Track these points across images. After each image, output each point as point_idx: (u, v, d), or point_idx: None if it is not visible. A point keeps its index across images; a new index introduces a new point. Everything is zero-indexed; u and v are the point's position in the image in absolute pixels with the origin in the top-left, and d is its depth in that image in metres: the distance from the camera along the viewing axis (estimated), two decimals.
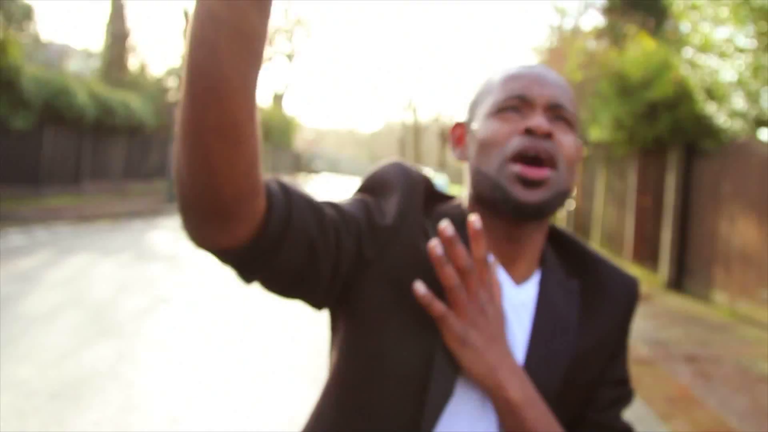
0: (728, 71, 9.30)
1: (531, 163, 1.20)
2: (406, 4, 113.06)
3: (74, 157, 22.64)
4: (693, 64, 10.42)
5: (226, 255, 1.09)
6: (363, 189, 1.29)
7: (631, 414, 5.72)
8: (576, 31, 23.36)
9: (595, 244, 17.99)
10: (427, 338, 1.20)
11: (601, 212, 17.74)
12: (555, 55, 23.64)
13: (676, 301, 11.72)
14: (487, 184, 1.23)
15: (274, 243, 1.08)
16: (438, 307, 1.17)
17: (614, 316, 1.34)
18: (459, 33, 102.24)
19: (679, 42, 12.55)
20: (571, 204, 19.94)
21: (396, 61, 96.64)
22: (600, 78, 14.51)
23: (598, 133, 14.90)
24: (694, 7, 9.39)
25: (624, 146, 14.49)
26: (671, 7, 10.77)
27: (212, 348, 7.25)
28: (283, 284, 1.15)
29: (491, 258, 1.25)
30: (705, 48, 9.59)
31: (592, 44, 19.34)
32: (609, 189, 17.26)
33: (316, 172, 70.76)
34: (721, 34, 9.10)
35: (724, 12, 8.58)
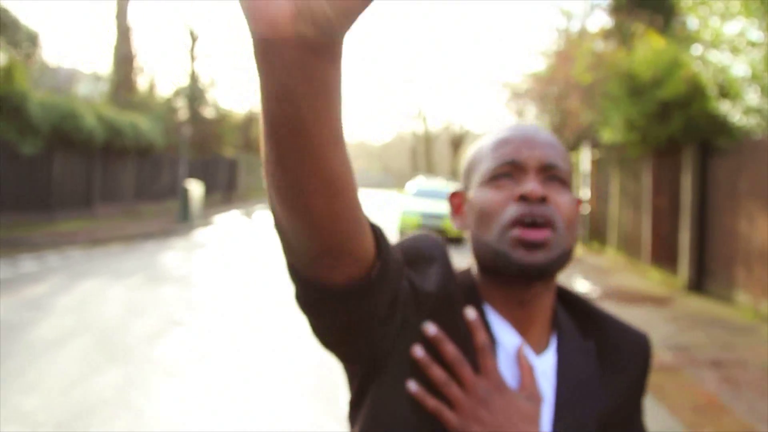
0: (741, 66, 9.10)
1: (529, 227, 1.20)
2: (411, 12, 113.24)
3: (85, 180, 22.61)
4: (704, 61, 10.22)
5: (332, 292, 1.05)
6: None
7: (656, 424, 5.53)
8: (583, 33, 23.17)
9: (612, 248, 17.78)
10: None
11: (616, 215, 17.51)
12: (562, 58, 23.47)
13: (698, 304, 11.49)
14: (489, 253, 1.23)
15: (382, 281, 1.07)
16: (430, 403, 1.17)
17: (630, 376, 1.35)
18: (465, 39, 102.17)
19: (688, 39, 12.36)
20: (586, 208, 19.74)
21: (405, 70, 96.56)
22: (609, 79, 14.31)
23: (610, 135, 14.70)
24: (703, 2, 9.21)
25: (637, 147, 14.29)
26: (679, 3, 10.59)
27: (224, 372, 7.09)
28: (354, 328, 1.11)
29: (518, 342, 1.25)
30: (716, 43, 9.40)
31: (599, 45, 19.16)
32: (624, 191, 17.03)
33: None
34: (732, 28, 8.90)
35: (735, 5, 8.39)
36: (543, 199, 1.20)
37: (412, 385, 1.17)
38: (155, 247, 17.25)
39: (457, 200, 1.36)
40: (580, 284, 13.04)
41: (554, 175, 1.25)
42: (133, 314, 9.49)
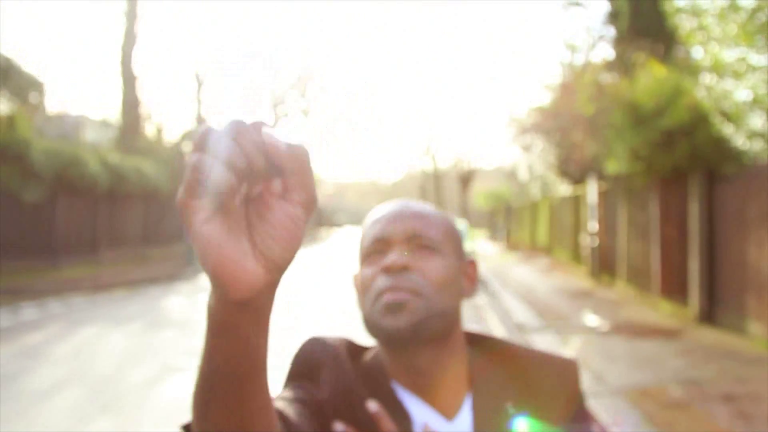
0: (743, 91, 8.92)
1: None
2: (419, 50, 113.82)
3: (90, 225, 22.53)
4: (706, 87, 10.05)
5: None
6: (293, 377, 1.31)
7: None
8: (587, 66, 23.09)
9: (621, 281, 17.51)
10: None
11: (625, 248, 17.26)
12: (567, 91, 23.38)
13: (709, 335, 11.20)
14: (367, 326, 1.29)
15: None
16: None
17: (558, 406, 1.35)
18: (473, 75, 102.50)
19: (690, 66, 12.20)
20: (594, 241, 19.49)
21: (413, 108, 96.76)
22: (612, 109, 14.15)
23: (615, 165, 14.49)
24: (701, 28, 9.06)
25: (643, 177, 14.08)
26: (679, 31, 10.46)
27: None
28: None
29: (426, 415, 1.27)
30: (716, 68, 9.23)
31: (603, 77, 19.04)
32: (631, 222, 16.79)
33: (338, 225, 70.91)
34: (732, 53, 8.74)
35: (733, 30, 8.24)
36: (404, 268, 1.26)
37: (339, 427, 1.20)
38: (159, 292, 17.08)
39: (356, 281, 1.40)
40: (590, 318, 12.78)
41: (421, 243, 1.30)
42: (129, 362, 9.29)
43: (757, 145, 9.15)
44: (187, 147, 33.50)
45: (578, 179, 23.14)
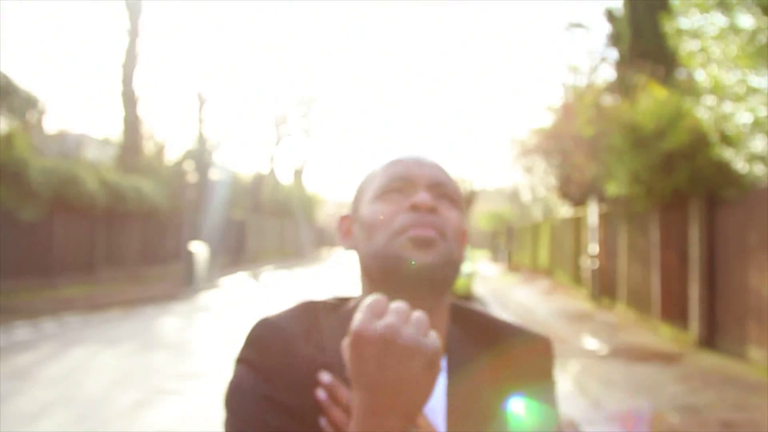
0: (743, 113, 8.82)
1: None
2: (420, 70, 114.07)
3: (87, 245, 22.41)
4: (707, 109, 9.95)
5: None
6: (244, 359, 1.27)
7: None
8: (589, 88, 23.04)
9: (621, 304, 17.34)
10: None
11: (625, 271, 17.10)
12: (568, 113, 23.31)
13: (709, 361, 11.04)
14: (379, 260, 1.23)
15: None
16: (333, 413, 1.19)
17: (529, 380, 1.33)
18: (475, 96, 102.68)
19: (690, 89, 12.11)
20: (595, 263, 19.35)
21: (415, 128, 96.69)
22: (613, 132, 14.05)
23: (615, 188, 14.37)
24: (702, 49, 8.97)
25: (643, 200, 13.95)
26: (680, 53, 10.37)
27: None
28: None
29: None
30: (717, 91, 9.13)
31: (604, 99, 18.97)
32: (632, 246, 16.65)
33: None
34: (732, 75, 8.64)
35: (733, 51, 8.14)
36: (433, 210, 1.23)
37: (325, 377, 1.20)
38: (155, 312, 16.93)
39: (345, 223, 1.38)
40: (589, 342, 12.63)
41: (443, 192, 1.29)
42: (120, 384, 9.14)
43: (758, 169, 9.03)
44: (189, 166, 33.50)
45: (579, 201, 23.02)
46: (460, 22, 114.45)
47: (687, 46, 9.75)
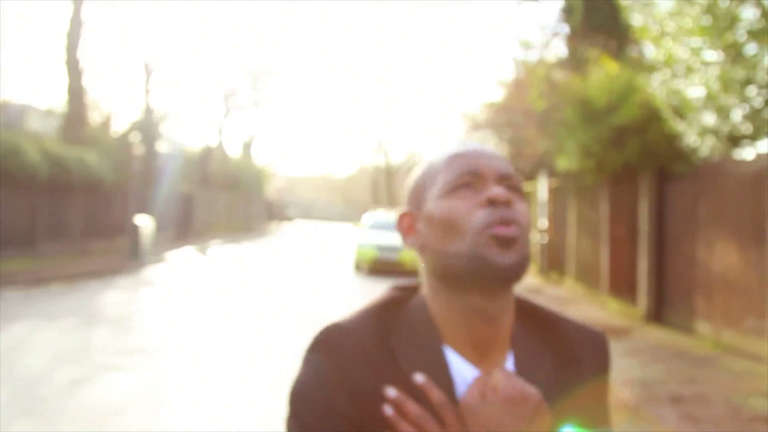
0: (696, 87, 8.76)
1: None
2: (372, 45, 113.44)
3: (29, 218, 21.82)
4: (659, 83, 9.90)
5: None
6: (311, 362, 1.24)
7: None
8: (541, 63, 23.00)
9: (570, 278, 17.40)
10: None
11: (575, 245, 17.14)
12: (519, 87, 23.26)
13: (657, 335, 11.08)
14: (461, 259, 1.22)
15: None
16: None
17: (588, 378, 1.34)
18: (426, 71, 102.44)
19: (642, 64, 12.07)
20: (544, 238, 19.38)
21: (365, 103, 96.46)
22: (564, 106, 13.98)
23: (565, 162, 14.33)
24: (656, 22, 8.88)
25: (593, 174, 13.95)
26: (633, 26, 10.29)
27: (154, 424, 6.51)
28: None
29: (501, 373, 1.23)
30: (670, 64, 9.06)
31: (556, 74, 18.92)
32: (581, 220, 16.68)
33: (289, 219, 70.52)
34: (685, 49, 8.57)
35: (688, 24, 8.06)
36: (508, 203, 1.22)
37: (388, 409, 1.18)
38: (99, 287, 16.54)
39: (407, 221, 1.35)
40: None
41: (511, 184, 1.28)
42: (60, 360, 8.85)
43: (709, 143, 9.00)
44: (135, 138, 32.88)
45: (529, 175, 23.02)
46: None
47: (640, 20, 9.65)
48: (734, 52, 7.85)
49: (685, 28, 8.22)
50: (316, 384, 1.20)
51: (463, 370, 1.24)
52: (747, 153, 10.17)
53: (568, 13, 19.19)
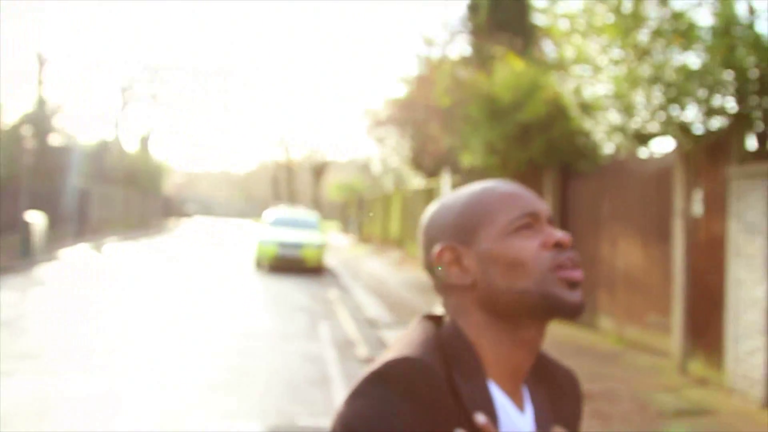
0: (603, 85, 8.81)
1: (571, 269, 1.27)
2: (273, 41, 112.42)
3: None
4: (566, 80, 9.94)
5: None
6: (385, 399, 1.17)
7: None
8: (444, 60, 23.05)
9: None
10: None
11: None
12: (423, 83, 23.26)
13: (561, 331, 11.14)
14: (528, 298, 1.26)
15: None
16: None
17: (570, 414, 1.41)
18: (328, 67, 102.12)
19: (549, 61, 12.14)
20: None
21: (266, 98, 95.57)
22: (469, 102, 13.97)
23: (469, 159, 14.32)
24: (565, 18, 8.90)
25: (498, 171, 13.97)
26: (539, 25, 10.32)
27: (44, 427, 6.13)
28: None
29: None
30: (578, 61, 9.10)
31: (461, 71, 18.95)
32: None
33: (188, 215, 69.28)
34: (593, 46, 8.60)
35: (597, 21, 8.08)
36: (570, 246, 1.29)
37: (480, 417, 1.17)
38: None
39: (451, 254, 1.35)
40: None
41: (554, 226, 1.34)
42: None
43: (615, 140, 9.07)
44: (27, 131, 31.67)
45: (433, 172, 23.07)
46: None
47: (546, 18, 9.68)
48: (641, 51, 7.91)
49: (594, 26, 8.24)
50: (385, 419, 1.15)
51: (502, 403, 1.27)
52: (652, 151, 10.31)
53: (473, 10, 19.27)
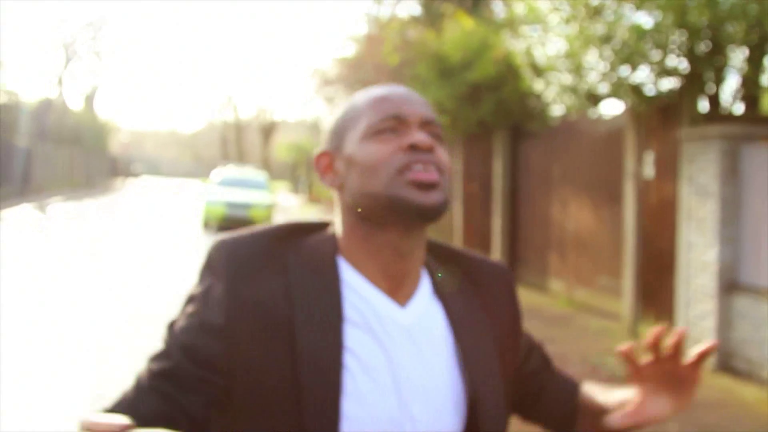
0: (554, 44, 8.66)
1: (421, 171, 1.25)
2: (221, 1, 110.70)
3: None
4: (516, 39, 9.77)
5: None
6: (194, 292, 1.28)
7: None
8: (393, 19, 22.75)
9: None
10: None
11: None
12: (372, 42, 22.96)
13: None
14: (379, 201, 1.24)
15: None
16: None
17: (504, 306, 1.41)
18: (276, 26, 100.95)
19: (499, 20, 11.96)
20: None
21: (215, 56, 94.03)
22: (418, 61, 13.75)
23: None
24: None
25: (447, 131, 13.82)
26: None
27: None
28: None
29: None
30: (529, 20, 8.93)
31: (410, 30, 18.69)
32: None
33: (135, 175, 68.26)
34: (545, 4, 8.43)
35: None
36: (431, 149, 1.25)
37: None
38: None
39: (325, 160, 1.35)
40: None
41: (434, 131, 1.29)
42: None
43: (567, 100, 8.94)
44: None
45: None
46: None
47: None
48: (593, 10, 7.75)
49: None
50: (188, 316, 1.25)
51: (369, 293, 1.26)
52: (603, 113, 10.22)
53: None
